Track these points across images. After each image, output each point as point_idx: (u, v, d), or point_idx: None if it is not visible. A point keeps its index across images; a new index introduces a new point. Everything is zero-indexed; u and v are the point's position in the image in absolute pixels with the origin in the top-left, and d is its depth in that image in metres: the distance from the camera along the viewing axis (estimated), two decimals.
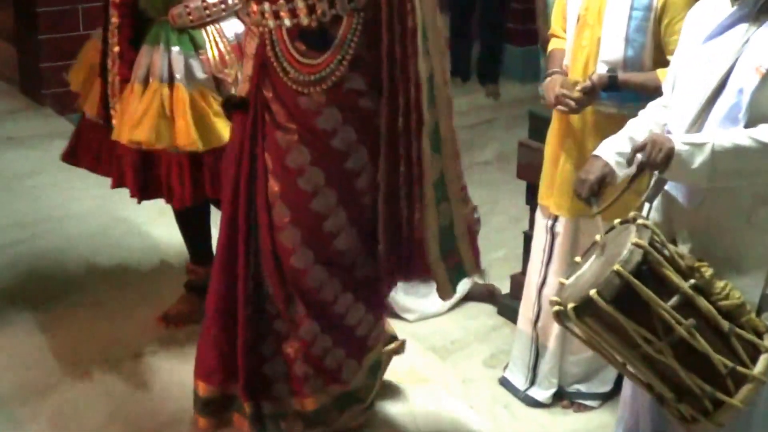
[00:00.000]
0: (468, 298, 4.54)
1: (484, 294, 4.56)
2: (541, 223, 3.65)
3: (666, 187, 2.56)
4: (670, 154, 2.36)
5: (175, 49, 3.18)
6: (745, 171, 2.39)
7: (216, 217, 3.50)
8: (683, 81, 2.58)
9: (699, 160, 2.35)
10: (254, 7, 2.59)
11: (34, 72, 5.87)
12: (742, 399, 2.32)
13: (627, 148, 2.61)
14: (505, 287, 4.35)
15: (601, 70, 3.30)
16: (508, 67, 7.27)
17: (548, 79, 3.39)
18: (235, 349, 2.78)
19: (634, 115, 3.16)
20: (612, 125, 3.24)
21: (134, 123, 3.13)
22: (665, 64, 3.26)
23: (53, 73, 5.79)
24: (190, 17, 3.20)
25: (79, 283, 3.80)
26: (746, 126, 2.37)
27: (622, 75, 3.27)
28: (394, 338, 3.19)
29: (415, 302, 4.37)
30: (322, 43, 2.54)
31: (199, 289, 3.55)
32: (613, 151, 2.64)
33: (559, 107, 3.30)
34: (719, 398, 2.32)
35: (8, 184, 4.74)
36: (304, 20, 2.52)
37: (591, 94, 3.27)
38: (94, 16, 5.66)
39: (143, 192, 3.33)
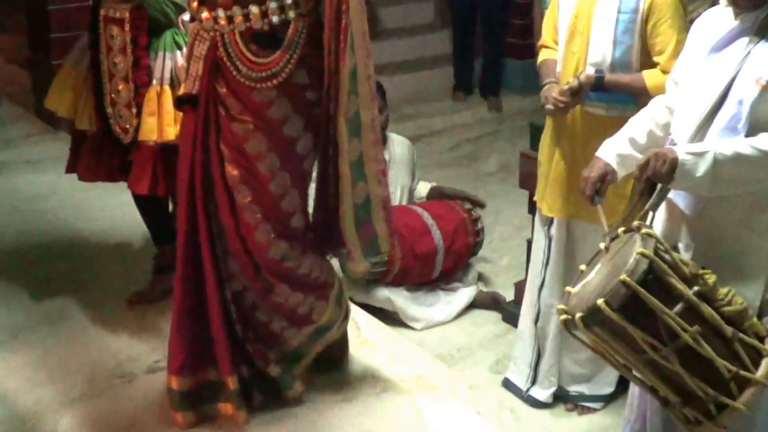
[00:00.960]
0: (473, 305, 4.58)
1: (489, 301, 4.59)
2: (539, 226, 3.69)
3: (668, 195, 2.58)
4: (674, 165, 2.40)
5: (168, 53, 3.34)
6: (746, 179, 2.42)
7: None
8: (686, 91, 2.61)
9: (702, 169, 2.38)
10: (206, 14, 2.80)
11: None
12: (745, 402, 2.35)
13: (626, 149, 2.68)
14: (509, 295, 4.37)
15: (590, 72, 3.34)
16: (510, 81, 7.32)
17: (545, 88, 3.45)
18: (205, 336, 2.93)
19: (621, 117, 3.28)
20: (601, 127, 3.36)
21: (173, 123, 3.32)
22: (652, 65, 3.31)
23: None
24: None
25: (94, 302, 3.79)
26: (746, 136, 2.40)
27: (609, 75, 3.32)
28: None
29: (421, 311, 4.41)
30: (272, 44, 2.78)
31: (167, 268, 3.62)
32: (613, 152, 2.70)
33: (548, 106, 3.36)
34: (723, 401, 2.34)
35: (26, 207, 4.73)
36: (257, 24, 2.76)
37: (579, 93, 3.33)
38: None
39: (165, 187, 3.44)
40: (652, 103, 2.78)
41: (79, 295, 3.86)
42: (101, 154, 3.50)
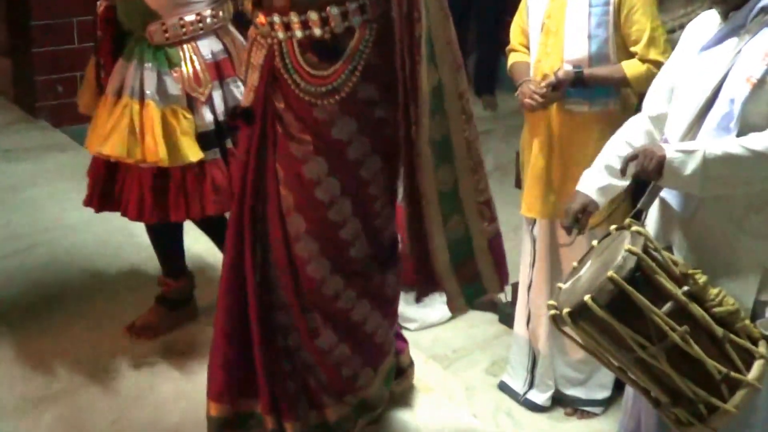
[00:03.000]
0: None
1: (484, 302, 4.55)
2: (525, 227, 3.77)
3: (662, 195, 2.61)
4: (662, 162, 2.43)
5: (148, 65, 3.16)
6: (737, 178, 2.44)
7: (190, 232, 3.58)
8: (679, 91, 2.65)
9: (691, 167, 2.41)
10: (262, 18, 2.57)
11: (28, 85, 5.89)
12: (736, 404, 2.36)
13: (605, 179, 2.72)
14: (505, 295, 4.34)
15: (568, 68, 3.39)
16: (505, 79, 7.28)
17: (521, 86, 3.50)
18: (246, 366, 2.76)
19: (605, 110, 3.39)
20: (581, 124, 3.44)
21: (104, 136, 3.15)
22: (629, 56, 3.37)
23: (48, 86, 5.83)
24: (167, 35, 3.17)
25: (77, 294, 3.80)
26: (738, 135, 2.43)
27: (588, 70, 3.36)
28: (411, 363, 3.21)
29: (416, 312, 4.37)
30: (333, 55, 2.53)
31: (169, 302, 3.59)
32: (593, 186, 2.74)
33: (527, 101, 3.40)
34: (713, 403, 2.36)
35: (4, 197, 4.75)
36: (317, 32, 2.52)
37: (557, 88, 3.37)
38: (88, 29, 5.64)
39: (100, 203, 3.35)
40: (626, 124, 2.80)
41: (62, 288, 3.86)
42: None
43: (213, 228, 3.49)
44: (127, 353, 3.40)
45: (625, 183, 2.70)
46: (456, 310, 2.77)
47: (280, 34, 2.55)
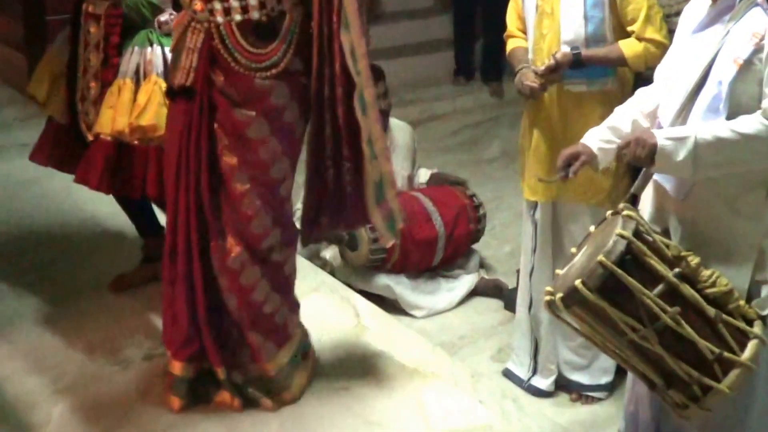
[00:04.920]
0: (475, 293, 4.57)
1: (490, 289, 4.58)
2: (526, 212, 3.75)
3: (655, 178, 2.65)
4: (653, 150, 2.47)
5: (167, 48, 3.35)
6: (727, 162, 2.47)
7: None
8: (671, 73, 2.68)
9: (682, 153, 2.44)
10: (200, 5, 2.83)
11: None
12: (730, 384, 2.39)
13: (609, 136, 2.73)
14: (511, 282, 4.38)
15: (565, 50, 3.41)
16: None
17: (519, 74, 3.50)
18: (195, 322, 2.99)
19: (603, 90, 3.41)
20: (581, 104, 3.47)
21: (138, 111, 3.35)
22: (626, 35, 3.39)
23: None
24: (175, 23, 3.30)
25: (87, 288, 3.82)
26: (728, 117, 2.46)
27: (585, 51, 3.38)
28: None
29: (422, 299, 4.40)
30: (269, 35, 2.85)
31: (154, 259, 3.70)
32: (596, 138, 2.76)
33: (527, 83, 3.41)
34: (707, 384, 2.38)
35: (21, 191, 4.78)
36: (255, 15, 2.82)
37: (556, 71, 3.38)
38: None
39: (113, 186, 3.48)
40: (637, 93, 2.84)
41: (74, 282, 3.89)
42: (63, 144, 3.58)
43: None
44: (137, 346, 3.44)
45: None
46: (386, 241, 3.08)
47: (219, 18, 2.83)
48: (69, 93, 3.51)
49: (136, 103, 3.38)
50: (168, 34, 3.35)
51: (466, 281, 4.60)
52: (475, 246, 4.82)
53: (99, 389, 3.22)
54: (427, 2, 7.65)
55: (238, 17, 2.82)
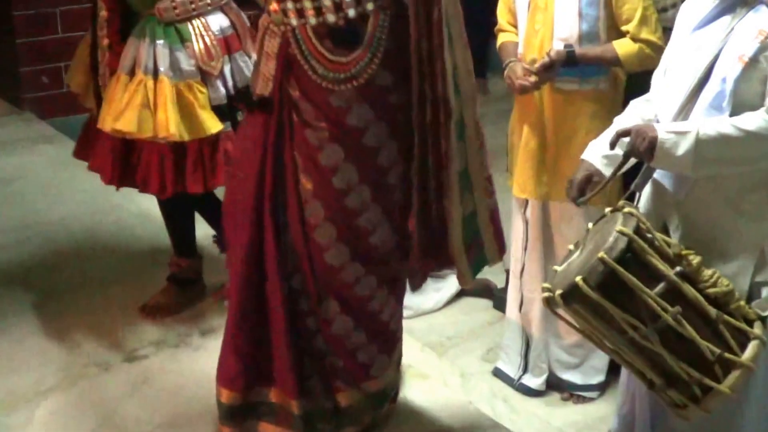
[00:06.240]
0: (463, 293, 4.57)
1: (479, 289, 4.58)
2: (516, 210, 3.78)
3: (656, 176, 2.63)
4: (653, 143, 2.45)
5: (160, 42, 3.25)
6: (729, 159, 2.46)
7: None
8: (672, 70, 2.66)
9: (683, 148, 2.42)
10: (275, 6, 2.60)
11: (13, 76, 5.88)
12: (730, 385, 2.38)
13: (612, 150, 2.68)
14: (500, 281, 4.39)
15: (558, 47, 3.41)
16: (496, 63, 7.28)
17: (508, 68, 3.52)
18: (260, 353, 2.80)
19: (596, 89, 3.42)
20: (573, 102, 3.48)
21: (118, 113, 3.23)
22: (620, 35, 3.40)
23: (32, 77, 5.81)
24: (176, 11, 3.28)
25: (67, 288, 3.81)
26: (731, 114, 2.44)
27: (579, 49, 3.38)
28: None
29: (410, 299, 4.36)
30: (350, 41, 2.57)
31: (181, 282, 3.67)
32: (598, 153, 2.73)
33: (519, 82, 3.42)
34: (707, 384, 2.38)
35: None
36: (331, 18, 2.55)
37: (550, 69, 3.38)
38: (72, 19, 5.68)
39: (120, 179, 3.42)
40: (634, 102, 2.80)
41: (53, 281, 3.87)
42: (96, 134, 3.46)
43: (206, 205, 3.57)
44: (120, 346, 3.42)
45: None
46: (466, 284, 2.82)
47: (294, 21, 2.58)
48: (95, 81, 3.42)
49: (118, 103, 3.26)
50: (169, 24, 3.25)
51: (453, 281, 4.50)
52: None
53: (81, 392, 3.19)
54: None
55: (312, 20, 2.55)
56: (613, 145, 2.59)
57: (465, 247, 2.72)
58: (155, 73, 3.23)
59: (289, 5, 2.56)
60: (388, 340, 2.88)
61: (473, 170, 2.68)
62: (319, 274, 2.70)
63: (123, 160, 3.38)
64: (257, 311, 2.76)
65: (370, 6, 2.55)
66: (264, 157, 2.67)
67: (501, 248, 2.84)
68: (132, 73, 3.27)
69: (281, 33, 2.62)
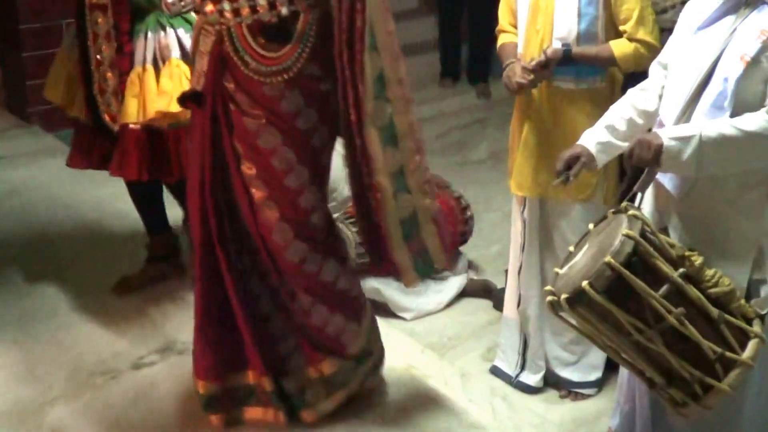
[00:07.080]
0: (464, 294, 4.62)
1: (479, 289, 4.64)
2: (516, 210, 3.79)
3: (656, 177, 2.65)
4: (659, 151, 2.47)
5: (181, 30, 3.42)
6: (732, 159, 2.48)
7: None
8: (675, 70, 2.68)
9: (688, 153, 2.44)
10: (211, 7, 2.76)
11: (19, 90, 5.90)
12: (731, 383, 2.40)
13: (605, 136, 2.75)
14: (500, 282, 4.40)
15: (556, 46, 3.43)
16: (498, 67, 7.32)
17: (507, 68, 3.54)
18: (230, 340, 2.92)
19: (592, 88, 3.44)
20: (570, 101, 3.50)
21: (168, 98, 3.35)
22: (618, 35, 3.42)
23: (39, 91, 5.79)
24: (182, 3, 3.34)
25: (72, 300, 3.84)
26: (732, 114, 2.46)
27: (576, 48, 3.40)
28: None
29: (411, 301, 4.44)
30: (281, 37, 2.74)
31: (160, 258, 3.80)
32: (593, 139, 2.77)
33: (517, 79, 3.43)
34: (708, 383, 2.40)
35: (0, 203, 4.77)
36: (265, 16, 2.71)
37: (546, 67, 3.41)
38: None
39: (150, 171, 3.52)
40: (630, 91, 2.84)
41: (60, 291, 3.91)
42: (93, 142, 3.58)
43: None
44: (124, 355, 3.44)
45: (624, 145, 2.71)
46: (409, 282, 2.95)
47: (230, 20, 2.74)
48: (86, 88, 3.49)
49: (162, 90, 3.38)
50: (177, 15, 3.32)
51: (454, 283, 4.62)
52: (463, 247, 4.86)
53: (88, 400, 3.21)
54: (412, 4, 7.61)
55: (248, 19, 2.72)
56: (627, 170, 2.63)
57: (404, 246, 2.86)
58: (186, 58, 3.35)
59: (226, 6, 2.73)
60: (351, 307, 3.01)
61: (409, 173, 2.81)
62: (271, 252, 2.85)
63: (150, 152, 3.47)
64: (219, 297, 2.90)
65: (301, 5, 2.72)
66: (202, 146, 2.83)
67: (444, 248, 2.96)
68: (155, 64, 3.40)
69: (215, 32, 2.78)
